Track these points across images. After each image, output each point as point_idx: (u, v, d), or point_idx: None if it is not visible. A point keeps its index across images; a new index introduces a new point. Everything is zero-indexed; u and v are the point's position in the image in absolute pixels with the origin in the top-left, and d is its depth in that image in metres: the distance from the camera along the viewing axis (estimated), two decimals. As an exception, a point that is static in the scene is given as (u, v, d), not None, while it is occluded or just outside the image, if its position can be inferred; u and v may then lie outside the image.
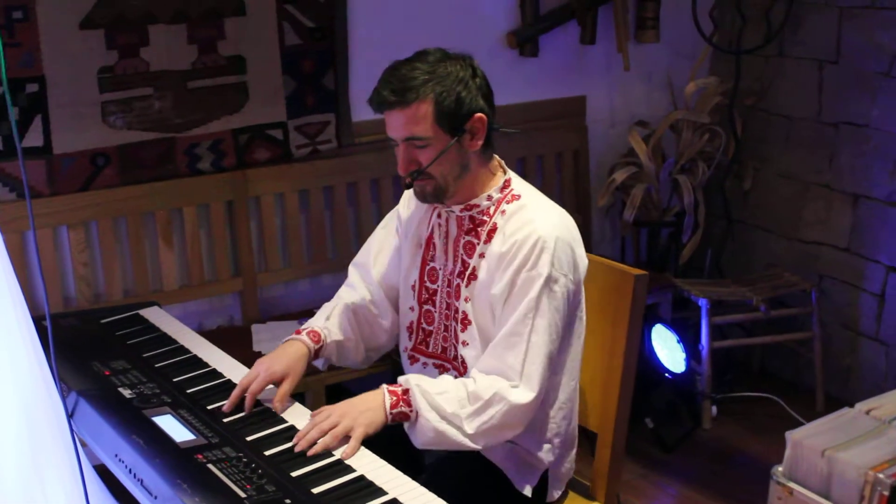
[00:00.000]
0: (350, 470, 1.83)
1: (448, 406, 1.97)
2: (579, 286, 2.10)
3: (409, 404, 1.99)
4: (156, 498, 1.79)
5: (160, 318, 2.59)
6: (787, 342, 4.01)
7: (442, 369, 2.21)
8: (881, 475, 1.16)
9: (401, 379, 2.04)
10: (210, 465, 1.80)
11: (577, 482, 2.36)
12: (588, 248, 4.21)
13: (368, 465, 1.86)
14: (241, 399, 2.06)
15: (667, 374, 3.74)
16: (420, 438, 2.00)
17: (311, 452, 1.87)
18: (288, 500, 1.69)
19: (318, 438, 1.90)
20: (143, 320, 2.57)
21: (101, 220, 3.19)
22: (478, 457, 2.12)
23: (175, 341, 2.42)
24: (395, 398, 1.99)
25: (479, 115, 2.01)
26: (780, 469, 1.29)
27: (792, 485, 1.28)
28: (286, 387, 2.09)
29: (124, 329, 2.51)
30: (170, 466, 1.80)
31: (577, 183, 4.19)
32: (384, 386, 2.02)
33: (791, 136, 4.11)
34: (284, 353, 2.17)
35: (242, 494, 1.70)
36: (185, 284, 3.40)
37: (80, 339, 2.45)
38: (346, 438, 1.92)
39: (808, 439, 1.27)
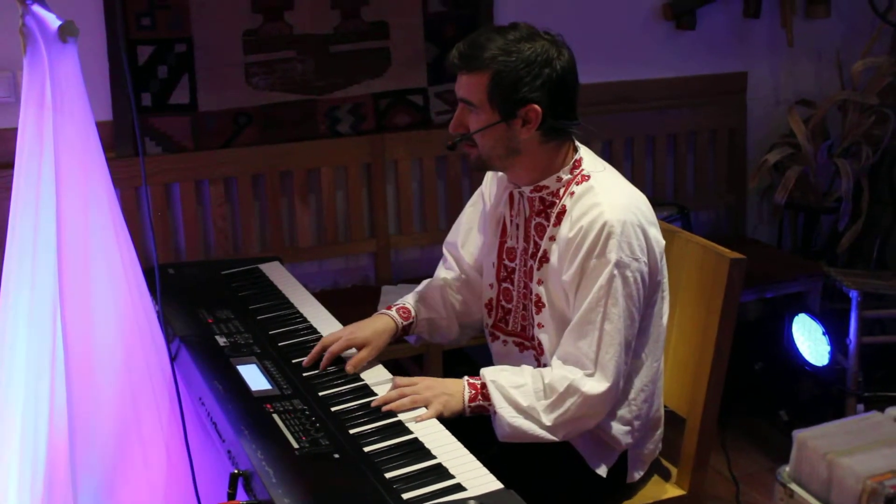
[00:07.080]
0: (407, 433, 1.85)
1: (524, 400, 1.96)
2: (655, 268, 2.02)
3: (487, 398, 1.98)
4: (224, 442, 1.87)
5: (277, 273, 2.68)
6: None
7: (522, 347, 2.19)
8: (881, 485, 1.08)
9: (482, 372, 2.03)
10: (275, 415, 1.87)
11: (663, 467, 2.30)
12: (741, 232, 4.16)
13: (424, 429, 1.87)
14: (320, 357, 2.13)
15: (806, 367, 3.57)
16: (499, 433, 1.99)
17: (385, 409, 1.90)
18: (336, 455, 1.74)
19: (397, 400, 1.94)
20: (261, 274, 2.67)
21: (240, 176, 3.33)
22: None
23: (283, 296, 2.51)
24: (473, 391, 1.99)
25: (533, 105, 1.95)
26: (787, 469, 1.22)
27: (794, 487, 1.21)
28: (364, 354, 2.13)
29: (240, 281, 2.62)
30: (239, 413, 1.88)
31: (732, 163, 4.02)
32: (465, 378, 2.02)
33: (970, 122, 3.80)
34: (371, 323, 2.22)
35: (296, 445, 1.76)
36: (319, 243, 3.51)
37: (197, 287, 2.58)
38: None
39: (814, 440, 1.19)
